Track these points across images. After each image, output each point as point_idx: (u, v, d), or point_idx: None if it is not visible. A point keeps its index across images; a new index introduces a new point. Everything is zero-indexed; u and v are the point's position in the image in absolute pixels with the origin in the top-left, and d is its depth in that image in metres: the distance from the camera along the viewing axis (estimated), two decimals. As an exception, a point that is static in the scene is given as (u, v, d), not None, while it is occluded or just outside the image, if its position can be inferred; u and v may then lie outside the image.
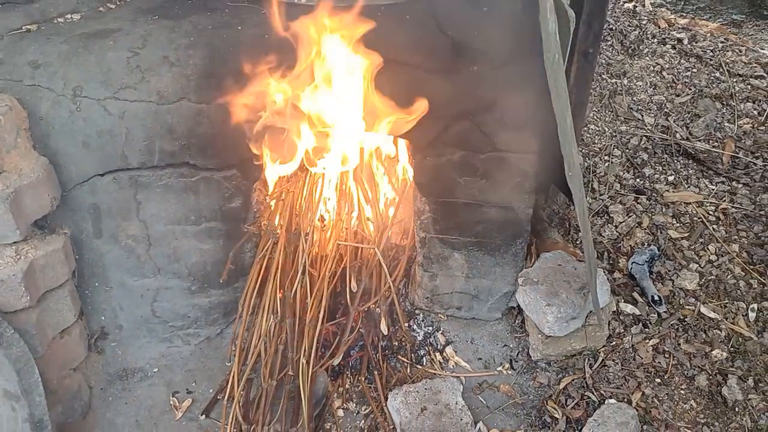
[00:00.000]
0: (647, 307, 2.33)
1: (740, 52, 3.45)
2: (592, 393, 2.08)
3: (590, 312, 2.12)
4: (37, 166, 1.73)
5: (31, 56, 1.82)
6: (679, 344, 2.22)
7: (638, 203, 2.70)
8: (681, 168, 2.86)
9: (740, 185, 2.77)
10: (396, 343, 2.21)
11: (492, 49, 1.94)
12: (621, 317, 2.29)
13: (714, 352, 2.18)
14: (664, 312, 2.31)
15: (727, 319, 2.29)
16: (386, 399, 2.03)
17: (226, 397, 2.03)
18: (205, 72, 1.84)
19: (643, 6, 3.89)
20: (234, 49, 1.86)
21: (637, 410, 2.01)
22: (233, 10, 2.04)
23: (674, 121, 3.06)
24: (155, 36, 1.91)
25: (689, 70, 3.32)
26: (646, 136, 2.98)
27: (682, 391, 2.09)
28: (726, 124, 3.05)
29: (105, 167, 1.85)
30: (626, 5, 3.81)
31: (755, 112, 3.11)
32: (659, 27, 3.62)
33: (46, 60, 1.82)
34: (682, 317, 2.29)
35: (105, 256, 1.99)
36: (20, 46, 1.85)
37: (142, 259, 2.01)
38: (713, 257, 2.50)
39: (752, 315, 2.30)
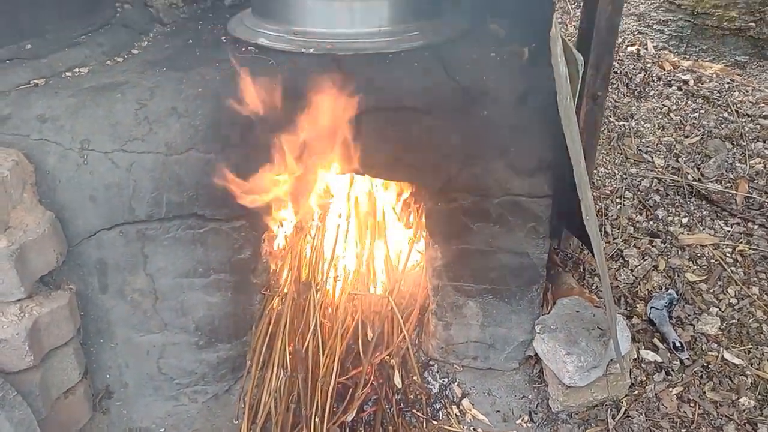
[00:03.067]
0: (669, 354, 2.26)
1: (747, 92, 3.45)
2: (617, 446, 2.00)
3: (611, 360, 2.05)
4: (43, 221, 1.69)
5: (38, 110, 1.81)
6: (704, 392, 2.14)
7: (653, 246, 2.65)
8: (694, 209, 2.82)
9: (756, 226, 2.73)
10: (411, 397, 2.13)
11: (501, 94, 1.93)
12: (642, 365, 2.22)
13: (741, 400, 2.10)
14: (687, 359, 2.24)
15: (752, 364, 2.21)
16: (402, 456, 1.95)
17: (235, 457, 1.95)
18: (214, 122, 1.83)
19: (646, 49, 3.91)
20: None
21: (665, 463, 1.92)
22: (241, 61, 2.03)
23: (685, 162, 3.04)
24: (163, 87, 1.90)
25: (697, 111, 3.31)
26: (657, 178, 2.95)
27: (711, 442, 2.01)
28: (737, 164, 3.02)
29: (112, 221, 1.82)
30: (630, 48, 3.84)
31: (766, 152, 3.08)
32: (664, 69, 3.63)
33: (53, 114, 1.80)
34: (705, 364, 2.22)
35: (111, 311, 1.93)
36: (28, 101, 1.84)
37: (148, 314, 1.96)
38: (733, 300, 2.44)
39: (778, 360, 2.23)
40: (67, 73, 1.99)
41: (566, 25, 3.90)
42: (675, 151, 3.12)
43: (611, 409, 2.09)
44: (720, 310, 2.41)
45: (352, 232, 2.30)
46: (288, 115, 1.85)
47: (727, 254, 2.61)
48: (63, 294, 1.80)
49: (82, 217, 1.80)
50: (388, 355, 2.14)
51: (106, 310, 1.93)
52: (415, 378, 2.15)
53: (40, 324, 1.69)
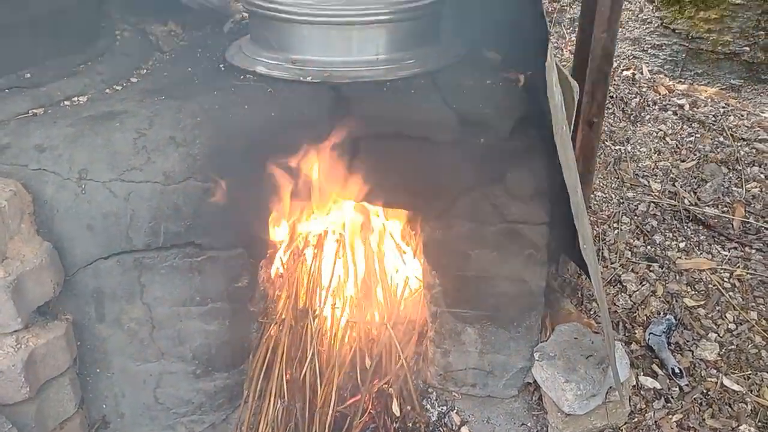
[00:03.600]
0: (668, 380, 2.25)
1: (742, 116, 3.47)
2: (617, 474, 1.98)
3: (610, 387, 2.04)
4: (40, 252, 1.68)
5: (37, 140, 1.81)
6: (704, 419, 2.13)
7: (651, 271, 2.65)
8: (692, 234, 2.83)
9: (753, 251, 2.73)
10: (410, 425, 2.12)
11: (498, 121, 1.94)
12: (642, 392, 2.21)
13: (741, 428, 2.09)
14: (686, 385, 2.23)
15: (752, 391, 2.21)
16: (401, 486, 1.93)
17: (232, 488, 1.93)
18: (212, 151, 1.83)
19: (642, 73, 3.94)
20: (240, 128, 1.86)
21: (666, 493, 1.91)
22: (240, 89, 2.04)
23: (681, 187, 3.05)
24: (162, 116, 1.91)
25: (692, 136, 3.33)
26: (653, 203, 2.96)
27: (712, 471, 2.00)
28: (734, 188, 3.03)
29: (109, 250, 1.81)
30: (625, 73, 3.87)
31: (762, 176, 3.10)
32: (659, 93, 3.66)
33: (51, 143, 1.80)
34: (705, 390, 2.21)
35: (107, 340, 1.92)
36: (26, 130, 1.84)
37: (145, 343, 1.95)
38: (732, 326, 2.44)
39: (777, 387, 2.22)
40: (66, 102, 1.99)
41: (562, 50, 3.93)
42: (671, 175, 3.13)
43: (611, 437, 2.08)
44: (719, 335, 2.41)
45: (349, 258, 2.30)
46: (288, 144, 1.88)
47: (725, 279, 2.62)
48: (59, 324, 1.79)
49: (80, 246, 1.80)
50: (386, 383, 2.13)
51: (102, 339, 1.92)
52: (414, 406, 2.14)
53: (37, 355, 1.68)
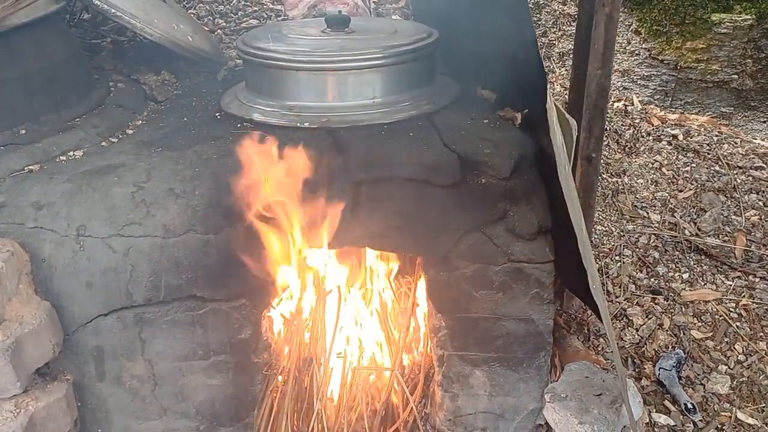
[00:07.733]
0: (681, 417, 2.21)
1: (735, 144, 3.49)
2: None
3: (624, 427, 2.00)
4: (39, 312, 1.65)
5: (33, 197, 1.79)
6: (721, 456, 2.09)
7: (656, 304, 2.63)
8: (694, 264, 2.81)
9: (757, 279, 2.72)
10: (420, 474, 2.07)
11: (497, 160, 1.93)
12: (655, 429, 2.17)
13: (760, 463, 2.05)
14: (700, 420, 2.19)
15: (766, 425, 2.17)
16: None
17: None
18: (212, 202, 1.81)
19: (633, 104, 3.97)
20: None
21: None
22: (237, 138, 2.03)
23: (681, 217, 3.04)
24: (160, 168, 1.89)
25: (688, 165, 3.35)
26: (654, 234, 2.95)
27: None
28: (733, 217, 3.03)
29: (109, 306, 1.78)
30: (616, 104, 3.89)
31: (760, 203, 3.10)
32: (652, 124, 3.68)
33: (49, 200, 1.78)
34: (719, 425, 2.17)
35: (108, 399, 1.87)
36: (23, 188, 1.82)
37: (147, 401, 1.90)
38: (742, 357, 2.41)
39: (793, 419, 2.19)
40: (62, 157, 1.97)
41: (553, 84, 3.96)
42: (670, 205, 3.13)
43: (627, 479, 2.03)
44: (729, 367, 2.37)
45: (351, 305, 2.27)
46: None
47: (731, 309, 2.59)
48: (60, 385, 1.74)
49: (79, 304, 1.76)
50: (395, 430, 2.08)
51: (103, 398, 1.87)
52: (423, 454, 2.09)
53: (37, 419, 1.63)
